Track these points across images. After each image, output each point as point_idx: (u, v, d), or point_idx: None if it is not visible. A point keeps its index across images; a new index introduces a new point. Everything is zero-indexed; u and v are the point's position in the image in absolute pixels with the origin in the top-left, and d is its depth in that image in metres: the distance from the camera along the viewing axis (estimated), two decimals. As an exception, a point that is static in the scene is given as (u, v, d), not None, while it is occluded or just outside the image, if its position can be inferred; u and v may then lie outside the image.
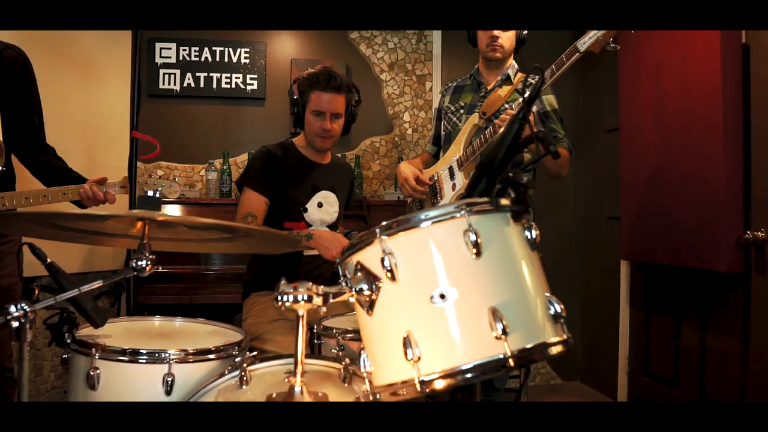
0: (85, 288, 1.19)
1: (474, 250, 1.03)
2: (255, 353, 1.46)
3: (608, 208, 3.27)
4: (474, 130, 2.28)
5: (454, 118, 2.44)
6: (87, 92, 3.16)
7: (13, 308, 1.10)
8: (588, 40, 1.82)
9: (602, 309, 3.37)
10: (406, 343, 1.02)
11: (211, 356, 1.43)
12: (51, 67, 2.99)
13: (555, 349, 1.07)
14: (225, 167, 3.39)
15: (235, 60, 3.54)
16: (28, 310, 1.11)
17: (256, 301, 2.11)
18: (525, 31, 2.41)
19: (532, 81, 2.36)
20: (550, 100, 2.36)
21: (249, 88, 3.56)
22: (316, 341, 1.71)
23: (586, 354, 3.65)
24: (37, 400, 3.15)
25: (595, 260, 3.53)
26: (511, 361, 0.99)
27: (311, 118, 2.14)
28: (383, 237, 1.07)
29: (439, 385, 1.01)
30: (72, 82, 3.10)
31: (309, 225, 2.20)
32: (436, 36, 3.76)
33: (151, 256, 1.15)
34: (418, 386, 1.01)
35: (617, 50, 1.84)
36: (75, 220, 1.29)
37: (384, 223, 1.09)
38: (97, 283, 1.21)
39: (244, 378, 1.24)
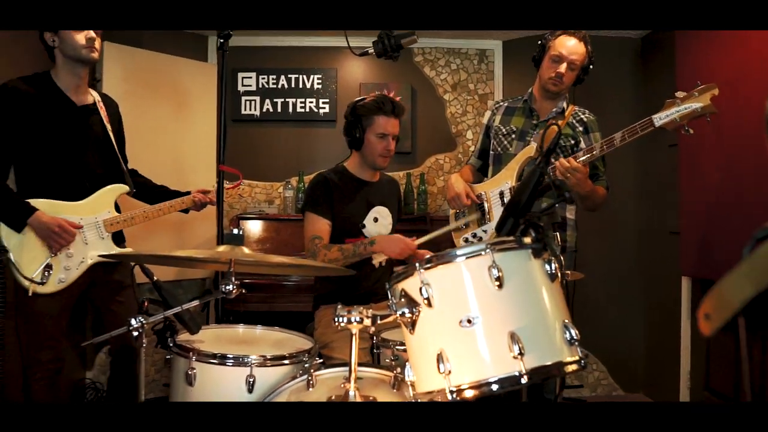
0: (186, 306, 1.48)
1: (497, 283, 1.24)
2: (321, 360, 1.72)
3: (670, 222, 3.32)
4: (527, 161, 2.40)
5: (505, 141, 2.56)
6: (178, 120, 3.57)
7: (133, 321, 1.41)
8: (665, 117, 1.93)
9: (665, 322, 3.42)
10: (439, 359, 1.24)
11: (286, 361, 1.70)
12: (148, 99, 3.42)
13: (570, 368, 1.26)
14: (300, 185, 3.70)
15: (308, 86, 3.86)
16: (144, 322, 1.41)
17: (325, 313, 2.36)
18: (590, 66, 2.47)
19: (582, 116, 2.50)
20: (596, 137, 2.44)
21: (321, 111, 3.86)
22: (375, 350, 1.95)
23: (649, 366, 3.70)
24: (149, 387, 3.59)
25: (656, 274, 3.57)
26: (525, 378, 1.19)
27: (374, 139, 2.37)
28: (422, 270, 1.30)
29: (468, 394, 1.22)
30: (166, 112, 3.52)
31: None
32: (497, 55, 3.92)
33: (236, 282, 1.43)
34: (448, 395, 1.22)
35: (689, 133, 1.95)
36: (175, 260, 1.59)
37: (425, 258, 1.32)
38: (195, 303, 1.50)
39: (311, 381, 1.49)
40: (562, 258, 1.42)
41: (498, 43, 3.91)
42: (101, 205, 2.32)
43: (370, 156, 2.41)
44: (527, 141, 2.50)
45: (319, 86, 3.86)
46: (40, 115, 2.22)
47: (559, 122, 2.43)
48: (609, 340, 3.68)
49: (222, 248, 1.40)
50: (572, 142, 2.47)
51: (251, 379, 1.62)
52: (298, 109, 3.85)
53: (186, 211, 2.53)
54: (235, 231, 1.42)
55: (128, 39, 3.49)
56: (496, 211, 2.46)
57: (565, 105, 2.52)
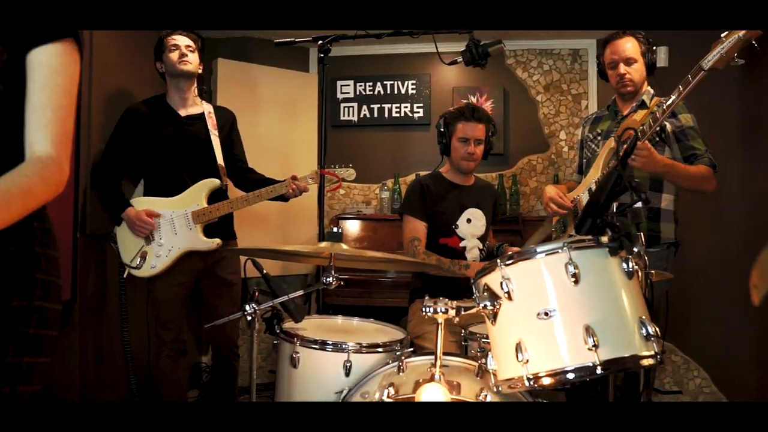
0: (292, 295, 1.68)
1: (573, 279, 1.32)
2: (412, 349, 1.86)
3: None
4: (611, 153, 2.42)
5: (593, 145, 2.60)
6: (282, 127, 3.85)
7: (248, 307, 1.62)
8: (712, 57, 1.92)
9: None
10: (518, 348, 1.34)
11: (380, 349, 1.85)
12: (257, 109, 3.73)
13: (646, 362, 1.32)
14: (396, 187, 3.87)
15: (403, 91, 4.02)
16: (257, 309, 1.62)
17: (419, 306, 2.51)
18: (654, 57, 2.46)
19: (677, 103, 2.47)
20: (686, 117, 2.40)
21: (416, 115, 4.01)
22: (463, 343, 2.07)
23: (758, 372, 3.53)
24: (247, 375, 3.90)
25: None
26: (599, 368, 1.26)
27: (457, 144, 2.52)
28: (503, 266, 1.41)
29: (545, 382, 1.32)
30: (272, 120, 3.82)
31: (461, 239, 2.56)
32: (591, 54, 3.88)
33: (336, 275, 1.61)
34: (526, 382, 1.33)
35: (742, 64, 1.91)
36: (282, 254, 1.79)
37: (506, 254, 1.43)
38: (300, 293, 1.70)
39: (401, 367, 1.64)
40: (645, 257, 1.48)
41: (592, 42, 3.87)
42: (192, 198, 2.59)
43: (456, 160, 2.55)
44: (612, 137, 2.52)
45: (414, 91, 4.01)
46: (151, 128, 2.57)
47: (638, 115, 2.43)
48: (713, 344, 3.54)
49: (323, 244, 1.58)
50: (657, 129, 2.42)
51: (348, 364, 1.79)
52: (394, 114, 4.03)
53: (285, 199, 2.71)
54: (335, 229, 1.60)
55: (238, 55, 3.82)
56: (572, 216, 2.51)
57: (646, 98, 2.49)
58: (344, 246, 1.58)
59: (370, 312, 2.57)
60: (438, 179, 2.62)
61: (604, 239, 1.37)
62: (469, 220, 2.57)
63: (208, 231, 2.58)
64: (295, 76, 3.93)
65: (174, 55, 2.55)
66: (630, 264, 1.37)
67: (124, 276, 2.58)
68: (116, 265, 2.67)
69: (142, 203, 2.56)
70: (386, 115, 4.04)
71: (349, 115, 4.07)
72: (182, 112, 2.64)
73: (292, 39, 2.53)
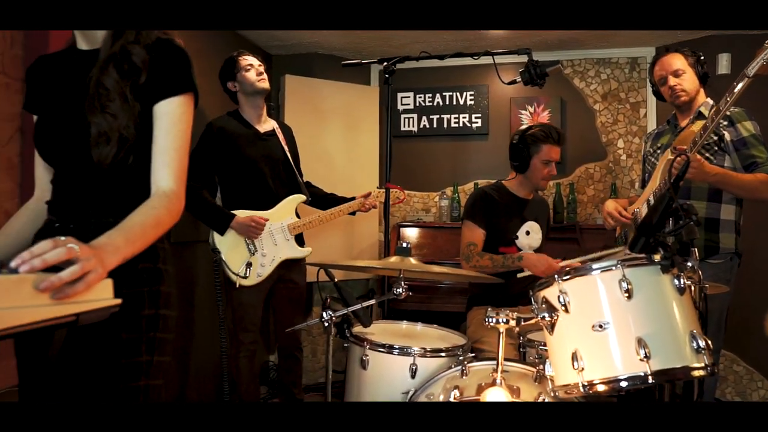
0: (366, 304, 1.84)
1: (626, 294, 1.43)
2: (474, 354, 2.00)
3: None
4: (668, 165, 2.47)
5: (654, 159, 2.65)
6: (345, 138, 4.05)
7: (324, 314, 1.80)
8: (755, 65, 1.95)
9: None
10: (574, 357, 1.46)
11: (443, 354, 2.00)
12: (321, 121, 3.94)
13: (697, 373, 1.42)
14: (455, 195, 3.99)
15: (462, 102, 4.14)
16: (333, 316, 1.79)
17: (477, 313, 2.64)
18: (704, 68, 2.49)
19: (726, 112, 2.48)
20: (746, 126, 2.40)
21: (474, 125, 4.12)
22: (521, 349, 2.19)
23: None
24: (313, 375, 4.12)
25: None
26: (650, 378, 1.37)
27: (540, 165, 2.62)
28: (560, 280, 1.53)
29: (600, 388, 1.43)
30: (335, 131, 4.01)
31: (519, 249, 2.67)
32: (650, 62, 3.89)
33: (405, 286, 1.76)
34: (581, 389, 1.44)
35: None
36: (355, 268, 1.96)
37: (563, 270, 1.54)
38: (372, 301, 1.86)
39: (464, 371, 1.78)
40: (699, 271, 1.56)
41: (650, 50, 3.89)
42: (285, 212, 2.80)
43: (534, 179, 2.65)
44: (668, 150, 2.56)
45: (472, 102, 4.13)
46: (235, 144, 2.76)
47: (696, 125, 2.45)
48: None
49: (393, 259, 1.74)
50: (715, 138, 2.44)
51: (414, 367, 1.94)
52: (453, 125, 4.15)
53: (353, 213, 2.95)
54: (404, 245, 1.75)
55: (303, 70, 4.04)
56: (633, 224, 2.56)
57: (704, 109, 2.51)
58: (413, 260, 1.74)
59: (429, 316, 2.72)
60: (502, 191, 2.73)
61: (657, 257, 1.47)
62: (527, 233, 2.67)
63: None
64: (357, 89, 4.11)
65: (251, 74, 2.74)
66: (681, 280, 1.46)
67: (237, 286, 2.71)
68: (198, 271, 2.92)
69: (243, 215, 2.75)
70: (445, 125, 4.17)
71: (409, 126, 4.22)
72: (260, 128, 2.85)
73: (359, 61, 2.71)
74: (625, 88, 3.96)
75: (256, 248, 2.73)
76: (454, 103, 4.15)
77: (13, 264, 0.80)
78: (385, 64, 2.56)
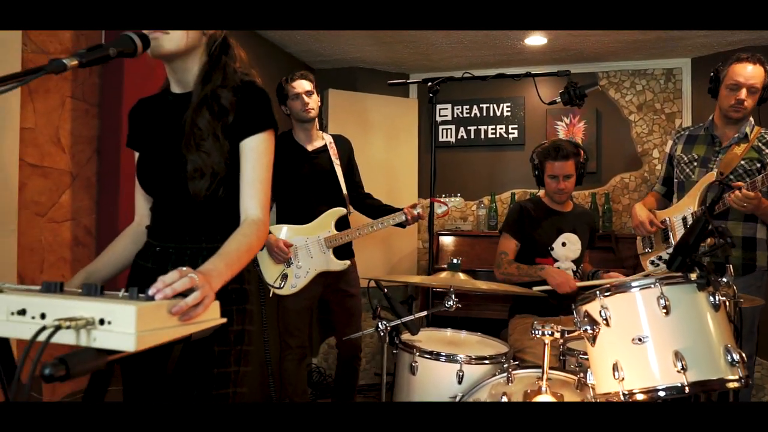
0: (418, 315, 1.99)
1: (664, 310, 1.55)
2: (517, 362, 2.13)
3: None
4: (709, 187, 2.53)
5: (687, 170, 2.69)
6: (387, 148, 4.20)
7: (380, 325, 1.95)
8: None
9: None
10: (615, 367, 1.58)
11: (487, 361, 2.13)
12: (363, 133, 4.10)
13: (732, 384, 1.53)
14: (492, 204, 4.12)
15: (498, 113, 4.26)
16: (387, 325, 1.94)
17: (519, 321, 2.76)
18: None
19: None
20: None
21: (510, 136, 4.24)
22: (562, 357, 2.30)
23: None
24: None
25: None
26: (687, 389, 1.49)
27: (548, 180, 2.75)
28: (602, 296, 1.65)
29: (639, 397, 1.55)
30: (377, 142, 4.17)
31: (555, 260, 2.78)
32: (686, 73, 3.96)
33: (456, 299, 1.90)
34: (621, 397, 1.56)
35: None
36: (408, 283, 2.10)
37: (604, 287, 1.67)
38: (423, 313, 2.01)
39: (510, 378, 1.91)
40: (734, 286, 1.67)
41: (686, 60, 3.95)
42: (323, 225, 2.96)
43: (549, 193, 2.80)
44: (709, 168, 2.60)
45: (509, 113, 4.24)
46: (285, 164, 2.92)
47: (739, 149, 2.52)
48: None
49: (444, 274, 1.89)
50: (758, 165, 2.49)
51: (460, 373, 2.07)
52: (490, 135, 4.28)
53: (402, 225, 3.06)
54: (455, 261, 1.90)
55: (345, 84, 4.21)
56: (680, 235, 2.64)
57: (748, 130, 2.55)
58: (462, 276, 1.88)
59: (469, 322, 2.86)
60: (537, 204, 2.86)
61: (693, 276, 1.58)
62: (564, 244, 2.79)
63: (335, 251, 2.96)
64: (396, 101, 4.26)
65: (298, 104, 2.90)
66: (717, 297, 1.57)
67: (270, 295, 2.91)
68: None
69: (280, 231, 2.93)
70: (482, 136, 4.29)
71: (447, 137, 4.36)
72: (309, 147, 3.01)
73: (404, 80, 2.86)
74: (661, 99, 4.03)
75: (291, 260, 2.90)
76: (491, 114, 4.27)
77: (150, 292, 0.97)
78: (430, 84, 2.69)
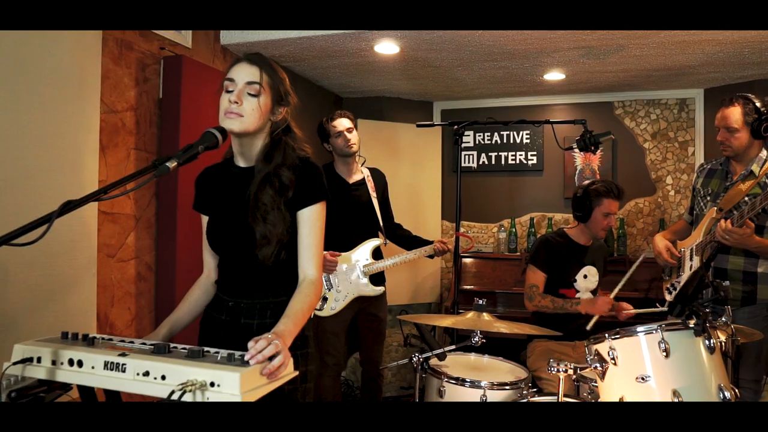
0: (447, 350, 2.23)
1: (664, 353, 1.78)
2: (536, 389, 2.36)
3: None
4: (713, 222, 2.74)
5: (702, 203, 2.87)
6: (412, 174, 4.44)
7: (414, 357, 2.19)
8: None
9: None
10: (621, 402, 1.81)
11: (508, 387, 2.36)
12: (392, 160, 4.35)
13: (723, 418, 1.75)
14: (512, 228, 4.34)
15: (518, 140, 4.48)
16: (420, 357, 2.18)
17: (537, 345, 2.98)
18: (761, 124, 2.62)
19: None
20: None
21: (530, 162, 4.46)
22: (576, 383, 2.53)
23: None
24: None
25: None
26: (683, 423, 1.71)
27: (600, 216, 2.94)
28: (611, 339, 1.88)
29: (642, 429, 1.78)
30: (403, 168, 4.42)
31: (577, 291, 3.00)
32: (698, 103, 4.13)
33: (481, 336, 2.14)
34: (627, 429, 1.79)
35: None
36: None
37: (614, 330, 1.90)
38: (452, 347, 2.24)
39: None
40: (732, 326, 1.89)
41: (699, 91, 4.14)
42: (361, 254, 3.22)
43: (594, 229, 2.98)
44: (716, 203, 2.76)
45: (528, 141, 4.46)
46: None
47: (744, 185, 2.69)
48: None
49: (470, 315, 2.13)
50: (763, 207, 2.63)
51: (484, 398, 2.31)
52: (509, 161, 4.50)
53: (431, 256, 3.33)
54: (480, 302, 2.13)
55: (372, 112, 4.46)
56: (686, 267, 2.84)
57: (755, 166, 2.69)
58: (486, 317, 2.12)
59: (490, 343, 3.09)
60: (563, 238, 3.07)
61: (691, 323, 1.81)
62: (585, 276, 3.01)
63: (370, 277, 3.23)
64: (421, 129, 4.50)
65: (340, 141, 3.16)
66: (712, 341, 1.79)
67: (312, 316, 3.17)
68: None
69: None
70: (503, 162, 4.52)
71: (469, 162, 4.59)
72: (349, 180, 3.27)
73: (431, 123, 3.09)
74: (674, 127, 4.22)
75: (332, 285, 3.16)
76: (511, 141, 4.50)
77: (246, 358, 1.22)
78: (456, 127, 2.92)
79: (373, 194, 3.29)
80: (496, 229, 4.51)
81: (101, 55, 2.32)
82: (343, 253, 3.20)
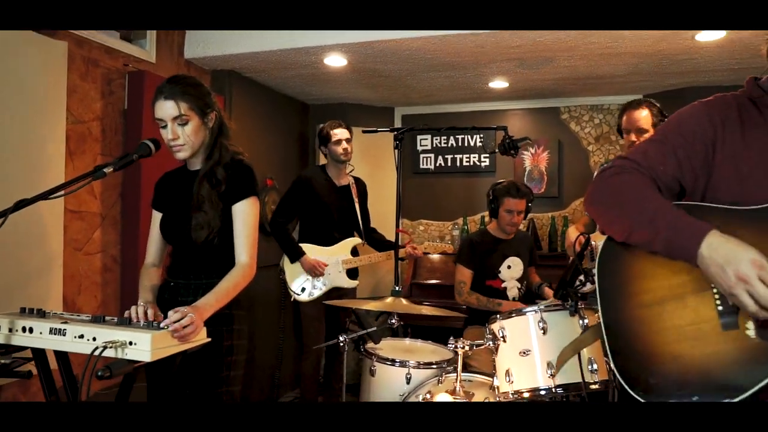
0: (380, 329, 2.52)
1: (542, 330, 2.08)
2: (453, 367, 2.65)
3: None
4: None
5: None
6: (372, 175, 4.74)
7: (341, 337, 2.49)
8: None
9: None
10: (507, 373, 2.12)
11: (433, 366, 2.64)
12: (353, 162, 4.63)
13: (593, 387, 2.04)
14: (465, 226, 4.64)
15: (473, 144, 4.78)
16: (347, 338, 2.48)
17: (471, 331, 3.29)
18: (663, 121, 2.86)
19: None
20: None
21: (483, 164, 4.75)
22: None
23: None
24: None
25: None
26: (554, 389, 2.01)
27: (504, 214, 3.26)
28: (501, 319, 2.19)
29: (525, 395, 2.08)
30: (363, 172, 4.70)
31: (502, 281, 3.30)
32: (639, 110, 4.44)
33: (397, 318, 2.44)
34: (511, 396, 2.10)
35: None
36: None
37: (506, 312, 2.20)
38: (373, 329, 2.54)
39: (440, 380, 2.44)
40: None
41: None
42: (341, 250, 3.56)
43: (501, 224, 3.31)
44: None
45: (481, 144, 4.76)
46: (317, 194, 3.51)
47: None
48: None
49: (389, 300, 2.43)
50: None
51: (408, 375, 2.60)
52: (464, 163, 4.80)
53: (402, 259, 3.67)
54: (397, 288, 2.44)
55: (335, 117, 4.75)
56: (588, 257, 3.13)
57: None
58: (404, 301, 2.42)
59: (435, 332, 3.38)
60: (485, 235, 3.39)
61: (567, 305, 2.11)
62: (509, 267, 3.31)
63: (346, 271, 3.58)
64: (381, 134, 4.79)
65: (339, 149, 3.49)
66: (585, 320, 2.09)
67: (291, 300, 3.50)
68: (268, 288, 3.68)
69: (309, 249, 3.49)
70: (458, 164, 4.82)
71: (427, 164, 4.89)
72: (338, 183, 3.62)
73: (375, 129, 3.39)
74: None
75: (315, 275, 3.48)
76: (466, 144, 4.80)
77: (162, 325, 1.52)
78: (395, 133, 3.21)
79: (356, 199, 3.65)
80: (451, 227, 4.81)
81: (68, 72, 2.61)
82: (325, 247, 3.53)
